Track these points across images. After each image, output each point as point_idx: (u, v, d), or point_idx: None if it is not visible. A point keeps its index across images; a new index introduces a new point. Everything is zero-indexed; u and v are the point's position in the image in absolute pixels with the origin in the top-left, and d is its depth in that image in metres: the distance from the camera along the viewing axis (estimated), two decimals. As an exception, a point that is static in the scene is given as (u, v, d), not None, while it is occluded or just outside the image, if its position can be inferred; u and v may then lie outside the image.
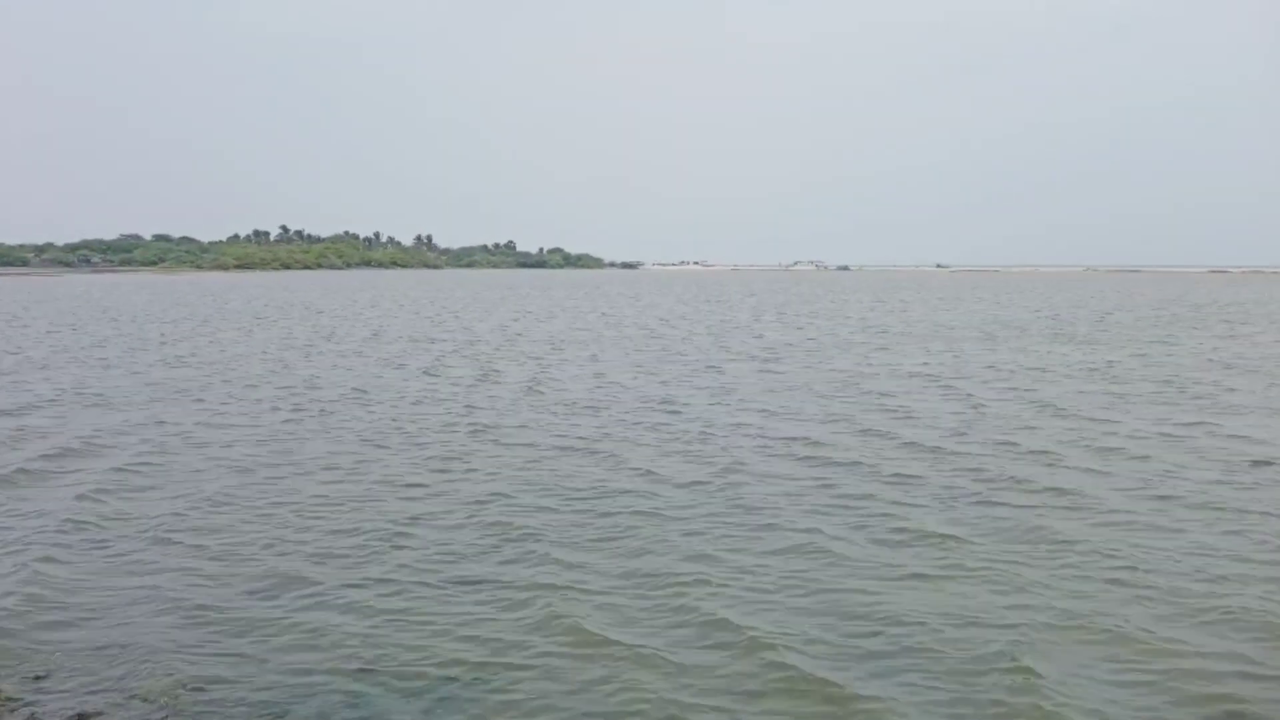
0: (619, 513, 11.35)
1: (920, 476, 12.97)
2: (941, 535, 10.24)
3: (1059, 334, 38.71)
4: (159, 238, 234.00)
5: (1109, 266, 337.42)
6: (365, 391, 21.68)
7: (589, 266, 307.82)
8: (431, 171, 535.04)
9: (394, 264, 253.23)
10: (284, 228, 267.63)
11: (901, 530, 10.52)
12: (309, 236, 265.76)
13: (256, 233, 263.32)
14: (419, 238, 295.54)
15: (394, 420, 17.80)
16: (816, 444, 15.27)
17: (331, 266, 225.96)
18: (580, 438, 15.96)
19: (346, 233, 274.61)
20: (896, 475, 13.06)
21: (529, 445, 15.39)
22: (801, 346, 32.91)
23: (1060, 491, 12.09)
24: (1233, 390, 21.29)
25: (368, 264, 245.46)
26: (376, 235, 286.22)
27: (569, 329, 42.71)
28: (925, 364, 26.99)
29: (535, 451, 14.92)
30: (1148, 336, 37.45)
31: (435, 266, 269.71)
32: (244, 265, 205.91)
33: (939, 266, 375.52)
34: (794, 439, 15.71)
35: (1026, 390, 21.33)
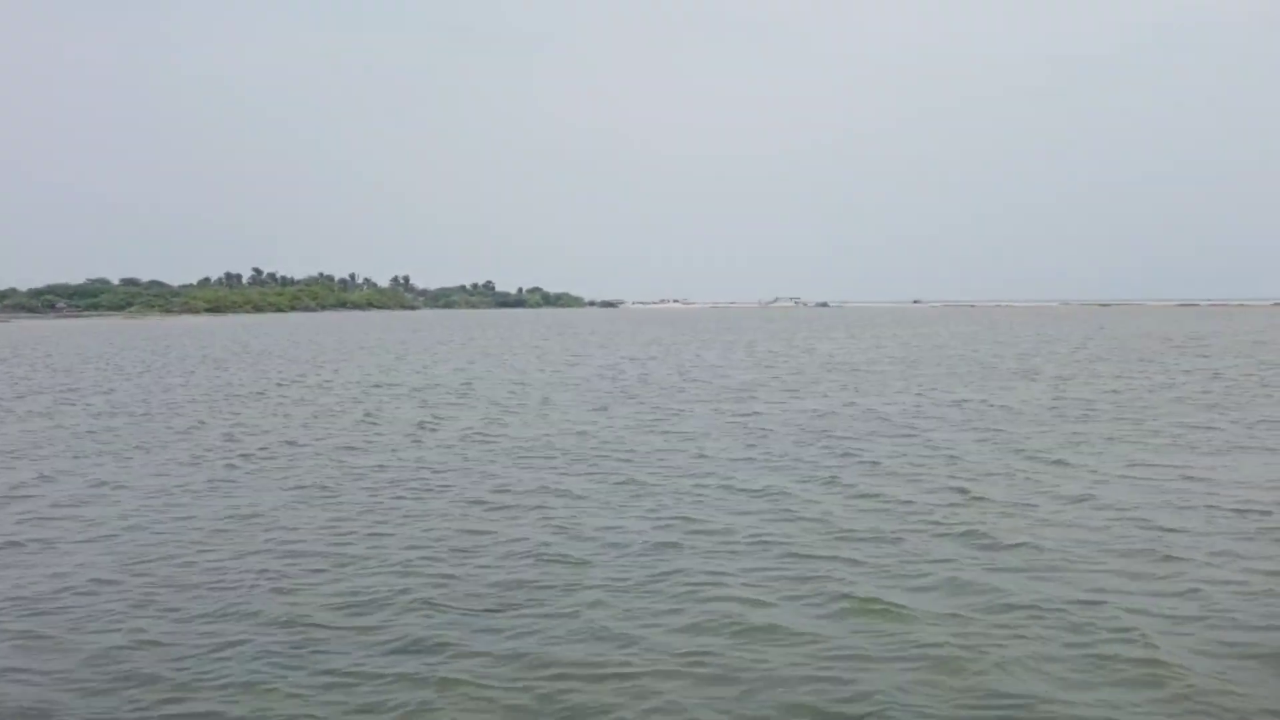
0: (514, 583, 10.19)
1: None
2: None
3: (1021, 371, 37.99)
4: (126, 281, 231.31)
5: (1083, 301, 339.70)
6: (294, 443, 20.45)
7: (568, 305, 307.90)
8: (408, 212, 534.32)
9: (370, 305, 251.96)
10: (256, 270, 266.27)
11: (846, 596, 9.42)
12: (282, 279, 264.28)
13: (228, 275, 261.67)
14: (396, 279, 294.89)
15: (318, 471, 16.59)
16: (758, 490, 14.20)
17: (306, 309, 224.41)
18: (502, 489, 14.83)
19: (321, 274, 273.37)
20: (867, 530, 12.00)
21: (448, 497, 14.23)
22: (767, 385, 31.92)
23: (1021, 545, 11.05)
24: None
25: (343, 305, 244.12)
26: (352, 276, 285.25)
27: (523, 372, 41.55)
28: (887, 403, 26.05)
29: (448, 505, 13.77)
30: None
31: (413, 307, 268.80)
32: (215, 309, 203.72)
33: (916, 302, 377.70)
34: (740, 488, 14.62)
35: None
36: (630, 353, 55.56)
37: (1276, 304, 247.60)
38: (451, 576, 10.43)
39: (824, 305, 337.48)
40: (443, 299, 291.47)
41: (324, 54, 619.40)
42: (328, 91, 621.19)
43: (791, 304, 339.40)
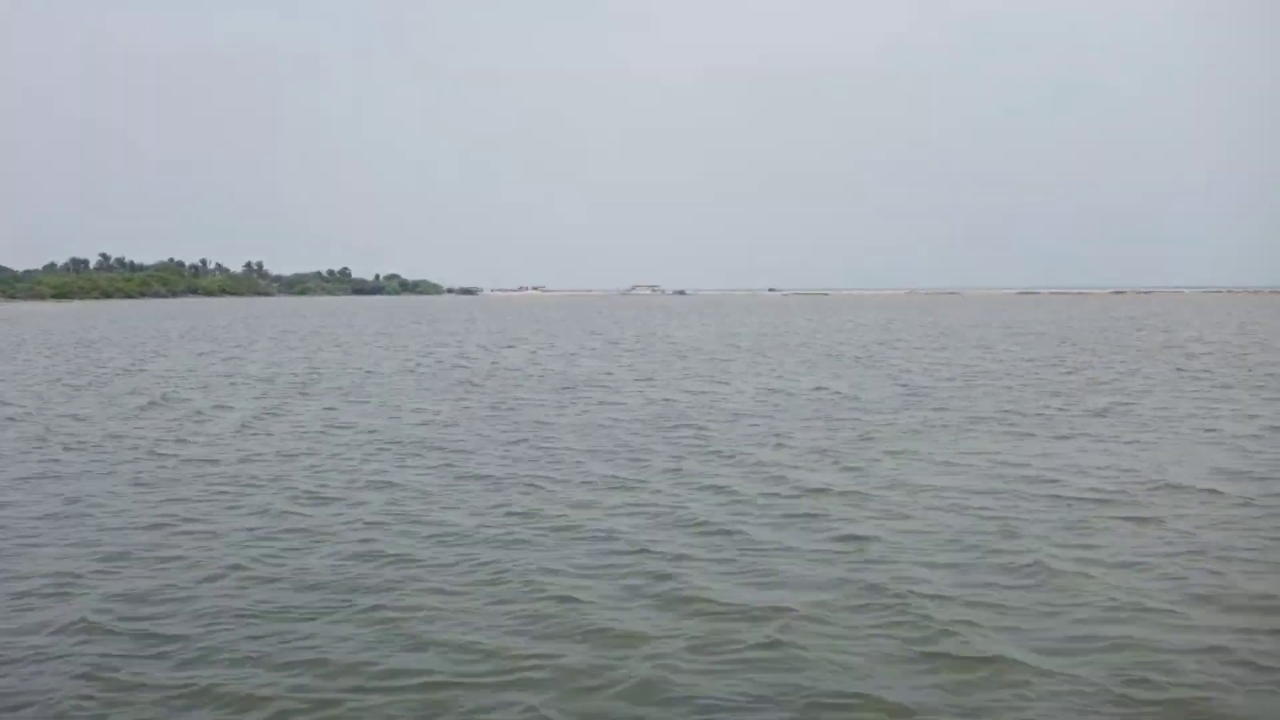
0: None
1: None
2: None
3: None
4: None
5: (931, 289, 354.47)
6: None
7: (427, 292, 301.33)
8: (263, 198, 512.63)
9: (223, 291, 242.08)
10: (104, 255, 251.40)
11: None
12: (131, 265, 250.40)
13: (75, 261, 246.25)
14: (249, 265, 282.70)
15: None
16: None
17: (156, 295, 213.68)
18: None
19: (172, 260, 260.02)
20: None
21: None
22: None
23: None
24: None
25: (195, 291, 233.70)
26: (204, 262, 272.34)
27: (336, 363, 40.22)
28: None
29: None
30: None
31: (267, 294, 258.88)
32: (62, 295, 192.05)
33: (771, 290, 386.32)
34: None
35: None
36: (483, 340, 54.63)
37: (1115, 292, 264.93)
38: (265, 580, 9.73)
39: (682, 293, 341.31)
40: (298, 285, 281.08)
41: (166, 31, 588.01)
42: (169, 70, 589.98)
43: (650, 291, 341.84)
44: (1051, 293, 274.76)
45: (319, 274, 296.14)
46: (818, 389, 26.60)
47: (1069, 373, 31.23)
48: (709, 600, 9.00)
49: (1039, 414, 21.09)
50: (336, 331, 67.00)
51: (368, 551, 10.72)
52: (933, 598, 8.96)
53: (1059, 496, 12.98)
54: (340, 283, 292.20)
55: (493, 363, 37.58)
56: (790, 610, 8.69)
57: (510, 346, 48.74)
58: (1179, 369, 32.05)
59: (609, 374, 32.08)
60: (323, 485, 14.25)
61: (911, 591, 9.11)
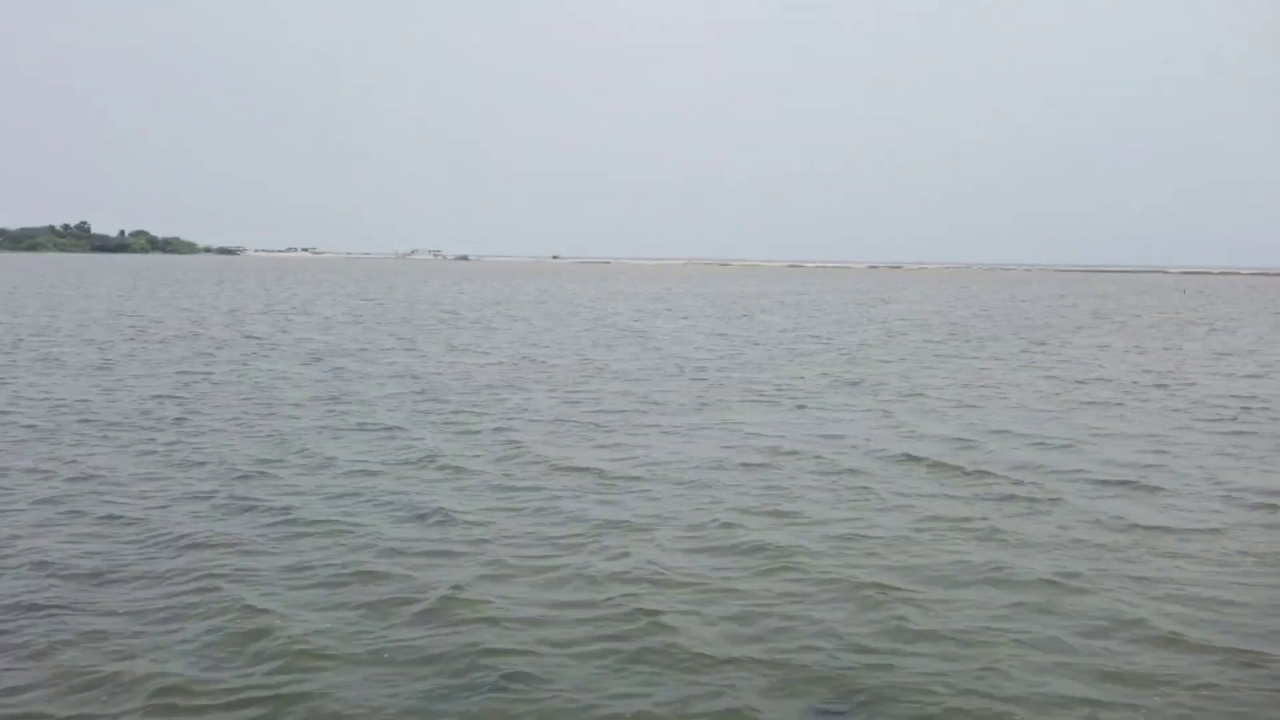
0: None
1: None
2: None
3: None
4: None
5: (708, 260, 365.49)
6: None
7: (180, 251, 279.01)
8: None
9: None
10: None
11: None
12: None
13: None
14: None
15: None
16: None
17: None
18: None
19: None
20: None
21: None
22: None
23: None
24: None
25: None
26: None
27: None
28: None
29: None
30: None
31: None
32: None
33: (555, 258, 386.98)
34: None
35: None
36: (228, 304, 50.69)
37: (871, 266, 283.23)
38: None
39: (464, 258, 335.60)
40: (26, 241, 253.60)
41: None
42: None
43: (431, 256, 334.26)
44: (818, 266, 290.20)
45: (52, 228, 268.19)
46: (584, 359, 25.95)
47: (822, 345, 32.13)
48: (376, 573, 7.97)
49: (787, 385, 21.27)
50: (67, 293, 60.49)
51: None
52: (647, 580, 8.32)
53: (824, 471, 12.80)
54: (77, 238, 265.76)
55: (237, 331, 34.61)
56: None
57: (263, 313, 45.35)
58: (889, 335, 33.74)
59: (363, 339, 30.15)
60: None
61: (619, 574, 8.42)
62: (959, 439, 15.15)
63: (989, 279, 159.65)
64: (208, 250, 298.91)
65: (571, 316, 44.99)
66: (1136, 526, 10.40)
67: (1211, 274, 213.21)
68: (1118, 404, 19.05)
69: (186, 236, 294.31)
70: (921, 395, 19.94)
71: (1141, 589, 8.55)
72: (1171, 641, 7.45)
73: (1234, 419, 17.39)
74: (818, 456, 13.75)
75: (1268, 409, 18.59)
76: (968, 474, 12.78)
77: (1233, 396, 20.17)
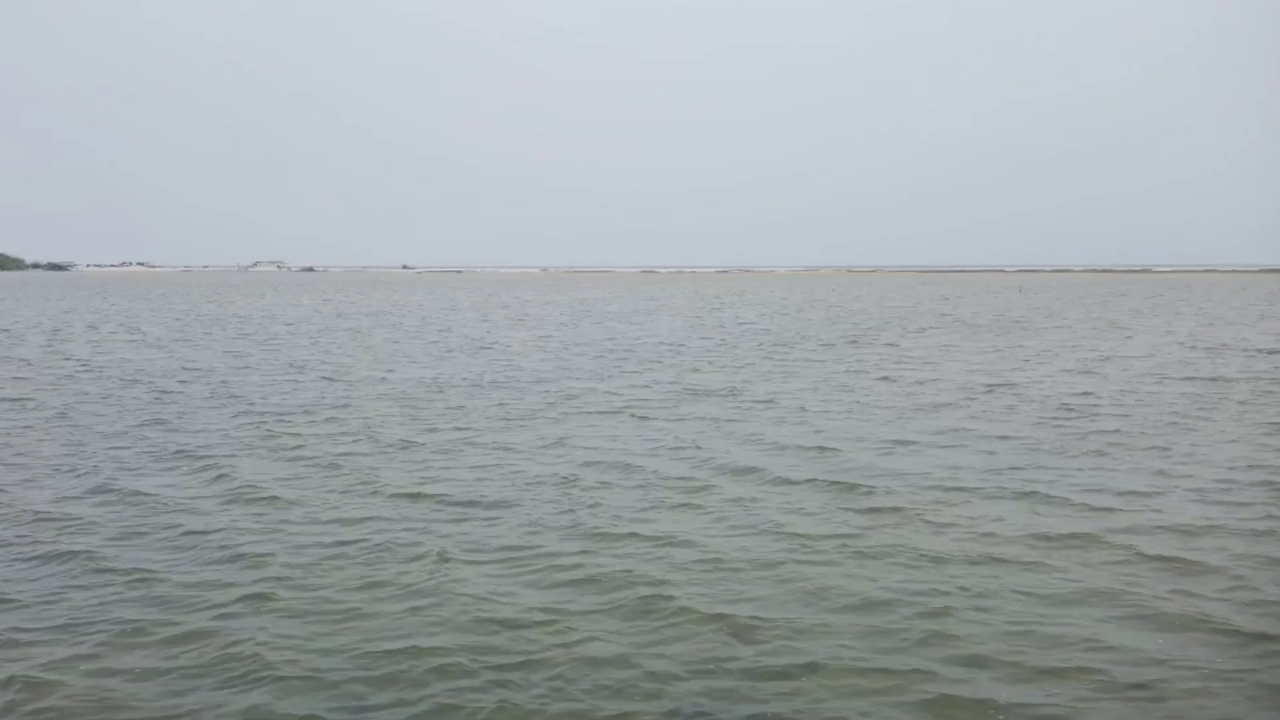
0: None
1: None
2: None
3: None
4: None
5: (564, 268, 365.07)
6: None
7: (6, 268, 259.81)
8: None
9: None
10: None
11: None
12: None
13: None
14: None
15: None
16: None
17: None
18: None
19: None
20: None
21: None
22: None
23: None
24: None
25: None
26: None
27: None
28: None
29: None
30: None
31: None
32: None
33: (405, 268, 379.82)
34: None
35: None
36: (52, 322, 47.17)
37: (721, 270, 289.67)
38: None
39: (309, 270, 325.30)
40: None
41: None
42: None
43: (275, 268, 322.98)
44: (669, 271, 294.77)
45: None
46: (425, 374, 24.99)
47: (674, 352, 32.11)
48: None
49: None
50: None
51: None
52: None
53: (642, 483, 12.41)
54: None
55: (53, 352, 32.03)
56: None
57: (92, 328, 42.28)
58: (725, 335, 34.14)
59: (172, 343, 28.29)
60: None
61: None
62: (800, 446, 15.06)
63: (838, 280, 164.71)
64: (36, 266, 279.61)
65: (416, 327, 43.67)
66: (1002, 536, 10.19)
67: (1076, 272, 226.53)
68: (958, 405, 19.35)
69: (13, 252, 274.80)
70: (749, 399, 19.95)
71: (1017, 604, 8.30)
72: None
73: (1065, 418, 17.93)
74: (655, 471, 13.26)
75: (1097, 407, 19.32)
76: (819, 485, 12.47)
77: (1074, 394, 20.96)
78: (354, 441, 15.48)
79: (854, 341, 35.11)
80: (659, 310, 61.25)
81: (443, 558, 9.36)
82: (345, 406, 19.24)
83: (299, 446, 14.98)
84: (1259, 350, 30.10)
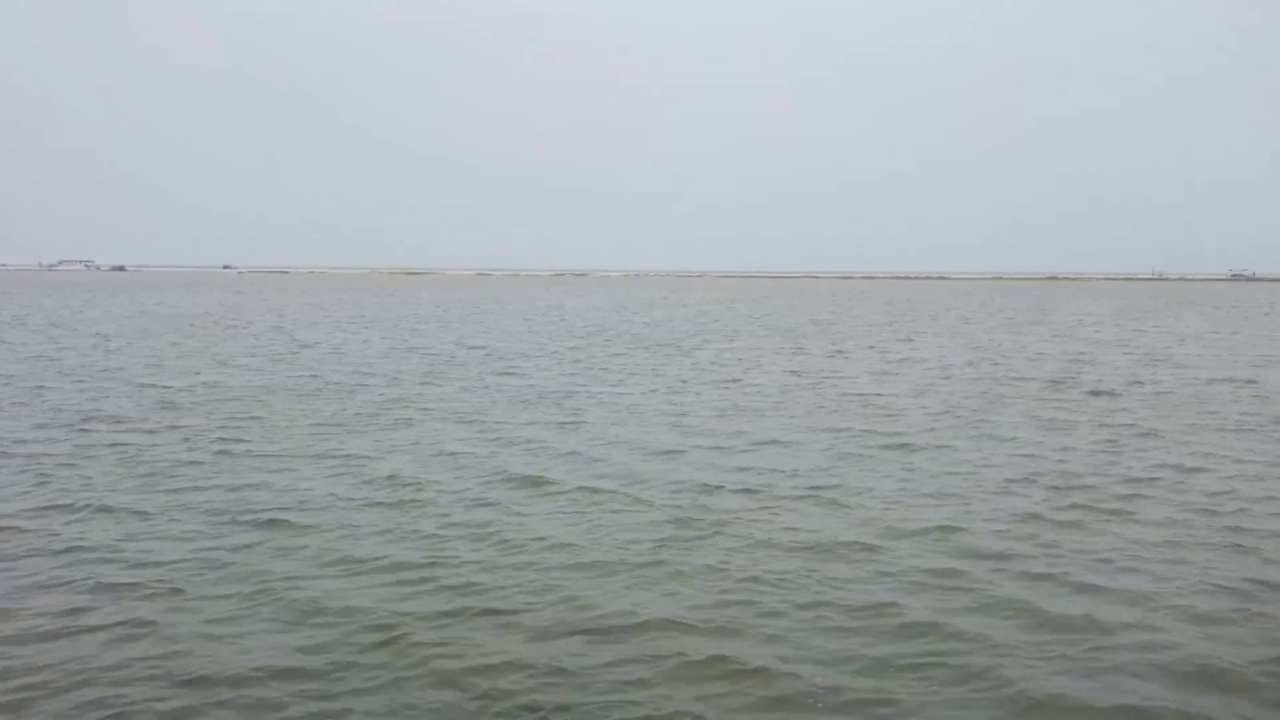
0: None
1: None
2: None
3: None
4: None
5: (402, 269, 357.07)
6: None
7: None
8: None
9: None
10: None
11: None
12: None
13: None
14: None
15: None
16: None
17: None
18: None
19: None
20: None
21: None
22: None
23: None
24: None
25: None
26: None
27: None
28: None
29: None
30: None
31: None
32: None
33: (226, 268, 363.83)
34: None
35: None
36: None
37: (556, 274, 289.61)
38: None
39: (121, 269, 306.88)
40: None
41: None
42: None
43: (81, 267, 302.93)
44: (504, 274, 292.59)
45: None
46: (211, 381, 23.82)
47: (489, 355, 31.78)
48: None
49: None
50: None
51: None
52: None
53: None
54: None
55: None
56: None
57: None
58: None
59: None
60: None
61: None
62: (589, 455, 15.10)
63: (669, 284, 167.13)
64: None
65: (225, 331, 41.61)
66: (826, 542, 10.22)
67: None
68: (769, 409, 19.67)
69: None
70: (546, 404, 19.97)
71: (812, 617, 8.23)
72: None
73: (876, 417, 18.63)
74: (436, 482, 12.88)
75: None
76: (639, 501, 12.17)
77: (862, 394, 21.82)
78: None
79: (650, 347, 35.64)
80: (500, 313, 60.56)
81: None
82: None
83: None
84: (1036, 356, 32.32)
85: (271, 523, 10.88)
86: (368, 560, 9.61)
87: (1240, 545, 10.15)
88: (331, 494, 12.27)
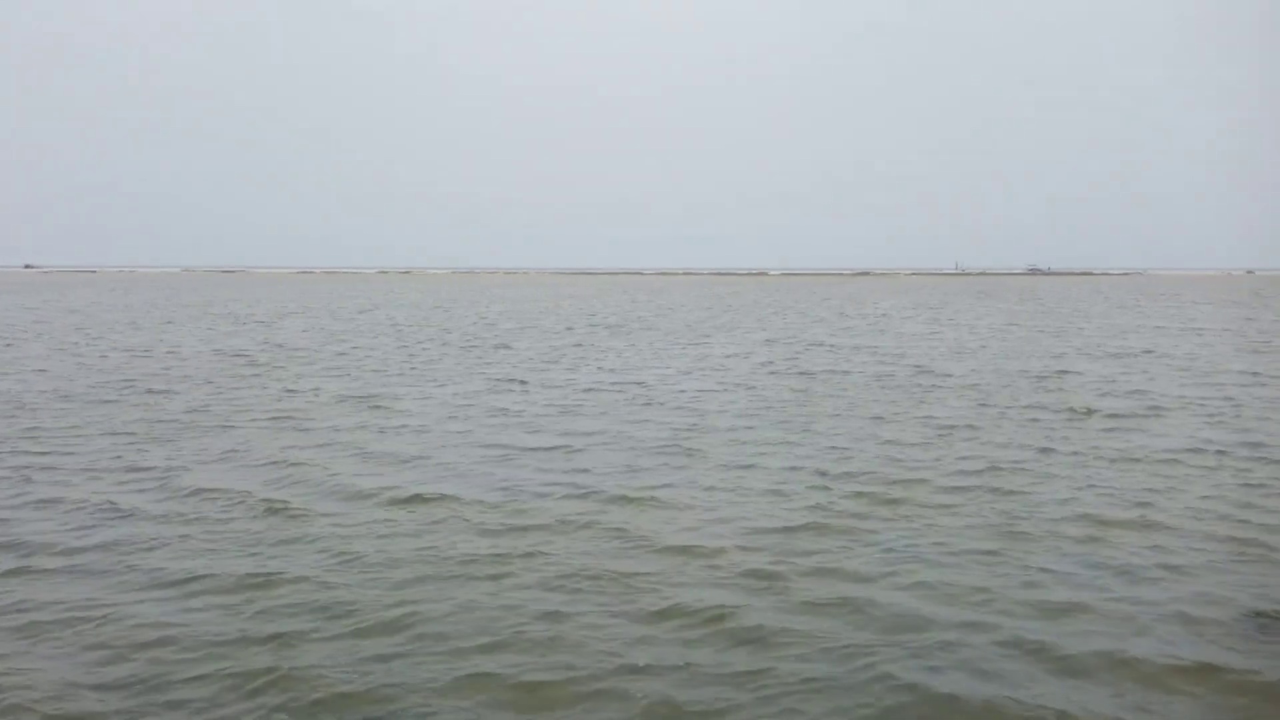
0: None
1: None
2: None
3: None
4: None
5: (208, 268, 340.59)
6: None
7: None
8: None
9: None
10: None
11: None
12: None
13: None
14: None
15: None
16: None
17: None
18: None
19: None
20: None
21: None
22: None
23: None
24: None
25: None
26: None
27: None
28: None
29: None
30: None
31: None
32: None
33: (28, 267, 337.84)
34: None
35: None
36: None
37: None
38: None
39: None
40: None
41: None
42: None
43: None
44: (325, 272, 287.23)
45: None
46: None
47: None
48: None
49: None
50: None
51: None
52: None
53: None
54: None
55: None
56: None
57: None
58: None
59: None
60: None
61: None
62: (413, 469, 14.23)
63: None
64: None
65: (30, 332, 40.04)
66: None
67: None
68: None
69: None
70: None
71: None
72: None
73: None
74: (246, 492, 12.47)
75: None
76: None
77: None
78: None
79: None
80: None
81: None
82: None
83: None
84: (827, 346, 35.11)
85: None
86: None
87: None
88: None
